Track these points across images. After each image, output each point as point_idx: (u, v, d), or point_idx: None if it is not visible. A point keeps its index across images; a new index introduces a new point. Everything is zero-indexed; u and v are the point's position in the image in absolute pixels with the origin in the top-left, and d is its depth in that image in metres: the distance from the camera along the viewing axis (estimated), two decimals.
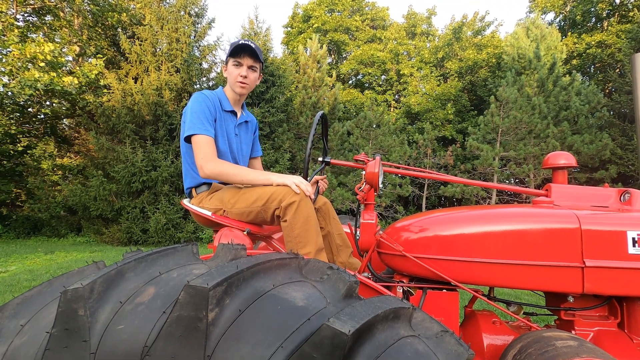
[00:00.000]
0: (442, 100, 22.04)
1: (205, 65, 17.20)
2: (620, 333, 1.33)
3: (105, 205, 12.78)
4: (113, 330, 0.91)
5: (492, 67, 22.52)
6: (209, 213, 1.82)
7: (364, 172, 1.73)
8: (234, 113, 2.09)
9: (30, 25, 15.05)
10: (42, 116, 15.70)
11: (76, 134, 16.79)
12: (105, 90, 13.72)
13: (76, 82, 11.71)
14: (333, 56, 29.91)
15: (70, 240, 13.85)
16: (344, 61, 28.21)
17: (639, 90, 1.77)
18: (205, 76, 17.61)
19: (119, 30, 15.88)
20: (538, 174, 13.75)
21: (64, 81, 11.37)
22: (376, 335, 0.91)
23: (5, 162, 15.08)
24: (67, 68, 12.36)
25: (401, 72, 24.94)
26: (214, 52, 16.83)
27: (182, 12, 15.23)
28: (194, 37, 16.69)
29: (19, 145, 15.00)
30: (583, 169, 16.16)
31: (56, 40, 14.60)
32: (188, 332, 0.87)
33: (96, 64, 13.15)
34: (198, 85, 16.95)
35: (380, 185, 1.72)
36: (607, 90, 20.48)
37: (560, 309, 1.43)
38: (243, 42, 1.91)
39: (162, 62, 14.49)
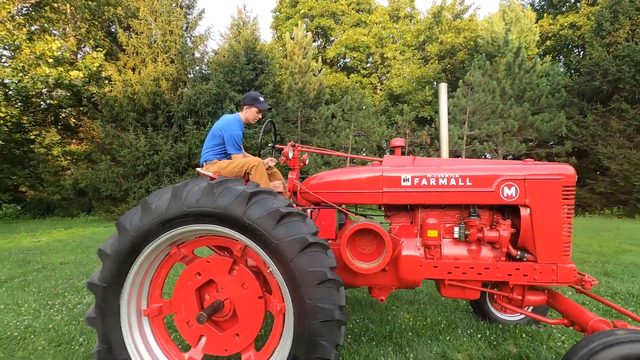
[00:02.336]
0: (422, 82, 23.31)
1: (197, 55, 18.26)
2: (410, 226, 2.85)
3: (113, 186, 14.16)
4: None
5: (470, 50, 23.71)
6: (210, 174, 3.26)
7: (293, 154, 3.24)
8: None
9: (29, 19, 15.92)
10: (46, 107, 16.76)
11: (80, 123, 17.95)
12: (106, 82, 14.83)
13: (81, 75, 12.83)
14: (321, 40, 30.75)
15: (83, 219, 15.28)
16: (331, 45, 29.11)
17: (443, 116, 3.22)
18: (198, 65, 18.66)
19: (116, 23, 16.77)
20: (500, 148, 15.32)
21: (70, 75, 12.49)
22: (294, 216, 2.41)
23: (15, 150, 16.31)
24: (69, 61, 13.35)
25: (385, 56, 26.02)
26: (205, 42, 17.86)
27: (174, 5, 16.15)
28: (186, 28, 17.65)
29: (30, 134, 16.19)
30: (542, 144, 17.77)
31: (53, 32, 15.52)
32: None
33: (96, 57, 14.21)
34: (192, 75, 18.04)
35: (290, 156, 3.19)
36: (574, 71, 21.81)
37: (385, 215, 2.97)
38: (267, 105, 3.50)
39: (157, 53, 15.55)
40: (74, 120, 18.39)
